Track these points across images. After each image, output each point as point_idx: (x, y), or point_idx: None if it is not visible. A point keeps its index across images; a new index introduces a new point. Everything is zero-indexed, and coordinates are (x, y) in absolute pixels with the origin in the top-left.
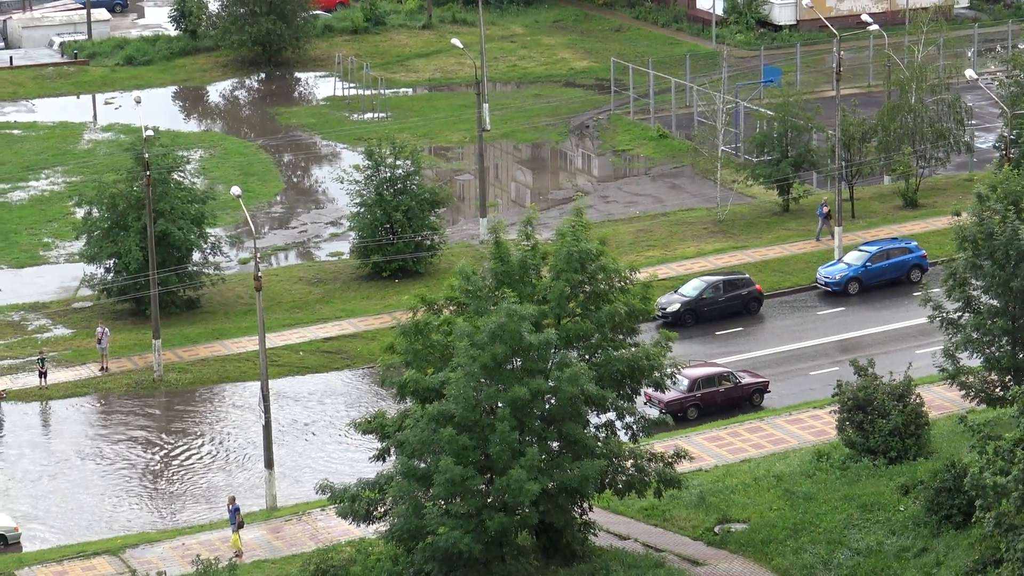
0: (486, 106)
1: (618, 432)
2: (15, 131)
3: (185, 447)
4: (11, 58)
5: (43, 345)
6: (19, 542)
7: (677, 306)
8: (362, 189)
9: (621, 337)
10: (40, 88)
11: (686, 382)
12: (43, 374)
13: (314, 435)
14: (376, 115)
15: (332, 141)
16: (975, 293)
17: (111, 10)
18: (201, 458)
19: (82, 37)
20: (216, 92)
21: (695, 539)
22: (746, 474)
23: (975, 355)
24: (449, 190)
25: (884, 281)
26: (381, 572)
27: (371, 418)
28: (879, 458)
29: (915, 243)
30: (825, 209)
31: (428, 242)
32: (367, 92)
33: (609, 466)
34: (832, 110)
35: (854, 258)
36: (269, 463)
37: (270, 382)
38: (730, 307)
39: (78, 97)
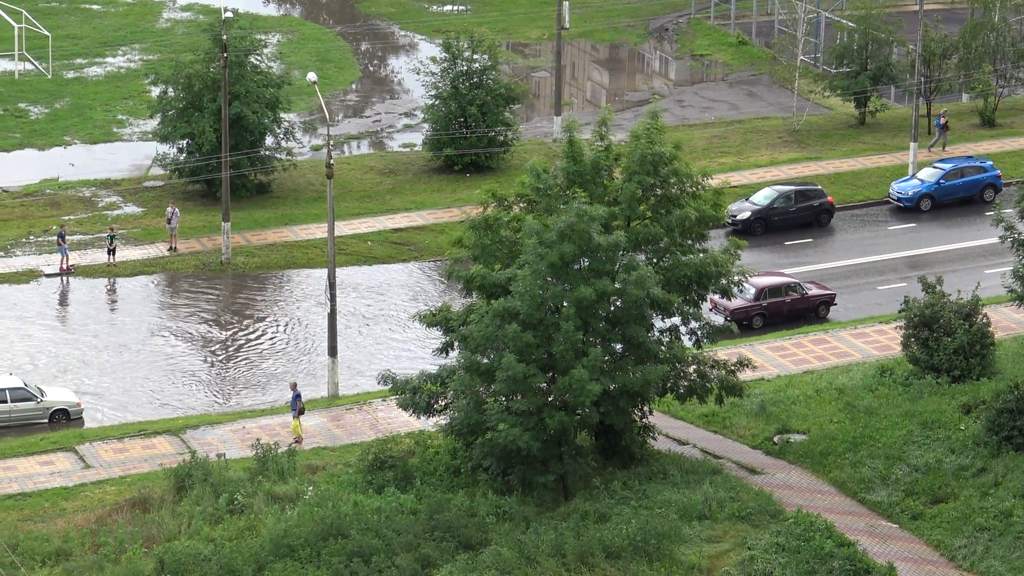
0: (566, 4)
1: (682, 337)
2: (94, 6)
3: (249, 331)
4: None
5: (112, 222)
6: (81, 417)
7: (748, 214)
8: (438, 81)
9: (690, 242)
10: None
11: (753, 291)
12: (112, 251)
13: (368, 326)
14: (455, 7)
15: (410, 32)
16: None
17: None
18: (265, 343)
19: None
20: None
21: (754, 448)
22: (808, 385)
23: None
24: (525, 86)
25: (957, 199)
26: (439, 465)
27: (436, 311)
28: (942, 376)
29: (990, 162)
30: (943, 120)
31: (501, 138)
32: None
33: (671, 371)
34: (914, 25)
35: (928, 175)
36: (333, 351)
37: (337, 270)
38: (801, 218)
39: None
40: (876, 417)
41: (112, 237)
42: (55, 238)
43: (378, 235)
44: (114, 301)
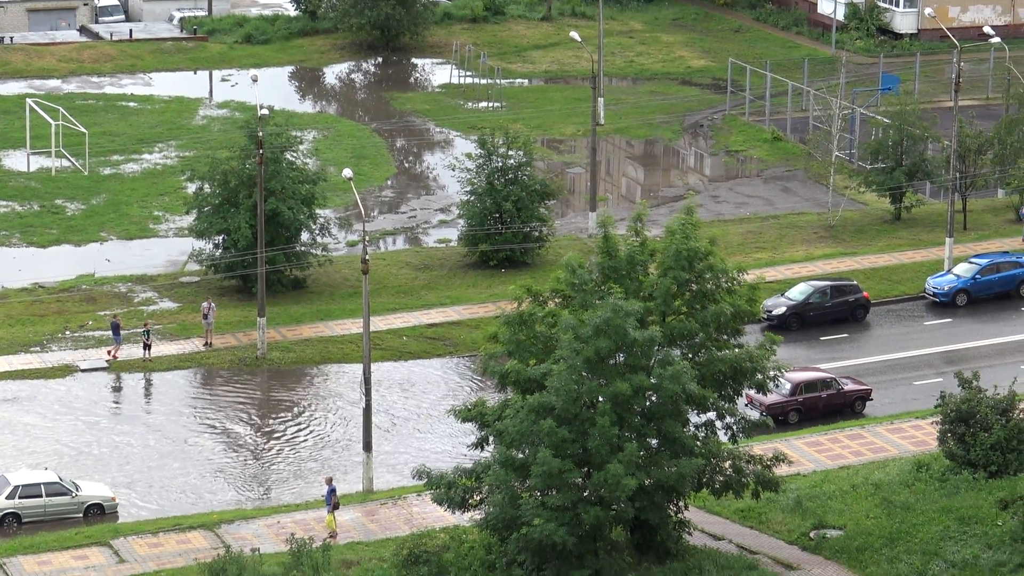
0: (601, 100)
1: (718, 432)
2: (131, 104)
3: (284, 426)
4: (131, 31)
5: (148, 317)
6: (116, 512)
7: (783, 309)
8: (473, 177)
9: (725, 337)
10: (158, 62)
11: (788, 386)
12: (147, 346)
13: (403, 422)
14: (491, 104)
15: (446, 128)
16: None
17: None
18: (300, 438)
19: (202, 13)
20: (332, 74)
21: (790, 543)
22: (844, 481)
23: None
24: (560, 182)
25: (993, 294)
26: (474, 560)
27: (471, 406)
28: (979, 471)
29: None
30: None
31: (536, 233)
32: (483, 81)
33: (707, 465)
34: (949, 121)
35: (963, 270)
36: (367, 446)
37: (372, 365)
38: (836, 313)
39: (195, 73)
40: (913, 512)
41: (147, 332)
42: (109, 330)
43: (413, 330)
44: (150, 396)
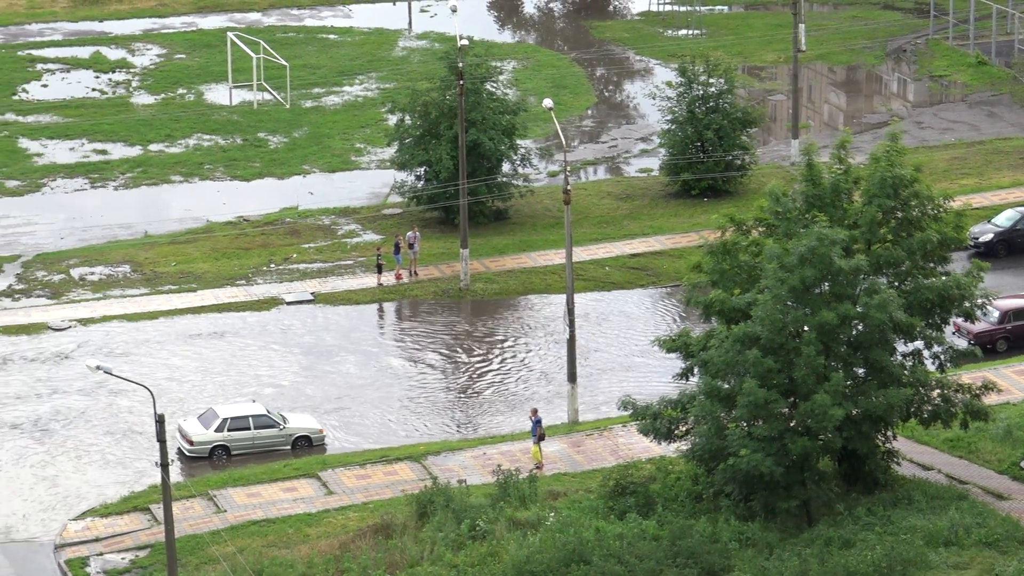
0: (802, 26)
1: (925, 361)
2: (331, 36)
3: (488, 357)
4: None
5: (352, 250)
6: (323, 444)
7: (990, 236)
8: (674, 106)
9: (932, 265)
10: None
11: (997, 314)
12: (380, 268)
13: (606, 352)
14: (691, 32)
15: (645, 56)
16: None
17: None
18: (504, 369)
19: None
20: (531, 3)
21: (1000, 473)
22: None
23: None
24: (761, 110)
25: None
26: (680, 491)
27: (676, 336)
28: None
29: None
30: None
31: (738, 161)
32: (682, 8)
33: (915, 395)
34: None
35: None
36: (572, 377)
37: (575, 296)
38: None
39: (394, 3)
40: None
41: (379, 255)
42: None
43: (616, 260)
44: (354, 328)
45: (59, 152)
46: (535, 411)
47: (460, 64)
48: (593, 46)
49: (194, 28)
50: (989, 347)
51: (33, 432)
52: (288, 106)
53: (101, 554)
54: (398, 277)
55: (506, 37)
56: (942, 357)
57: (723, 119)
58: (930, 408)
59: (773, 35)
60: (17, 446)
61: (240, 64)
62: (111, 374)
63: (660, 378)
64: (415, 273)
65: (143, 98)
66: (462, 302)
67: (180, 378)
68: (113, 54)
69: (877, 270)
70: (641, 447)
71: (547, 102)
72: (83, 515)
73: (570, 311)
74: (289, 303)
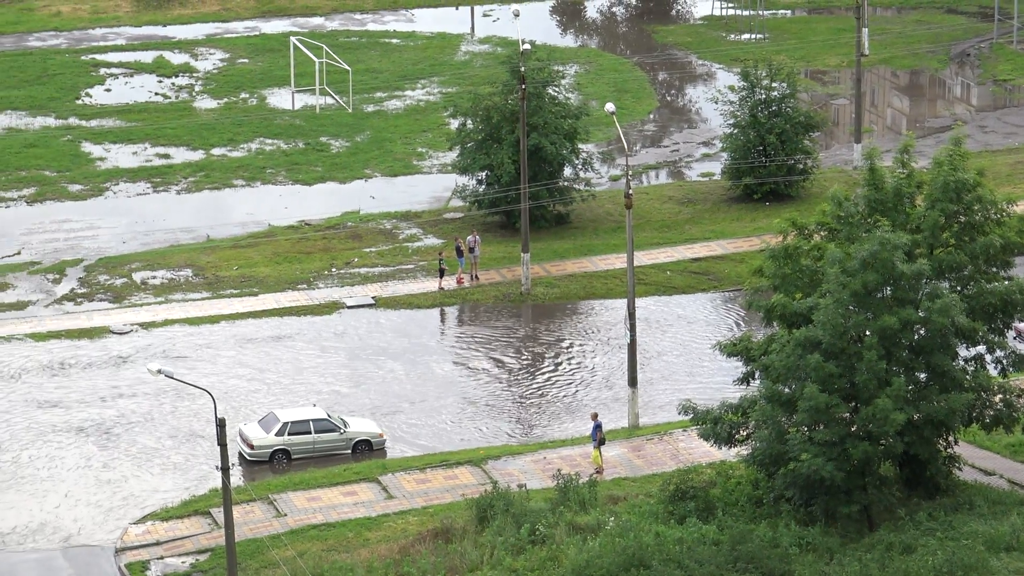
0: (865, 31)
1: (987, 366)
2: (393, 40)
3: (548, 361)
4: None
5: (413, 254)
6: (384, 448)
7: None
8: (736, 110)
9: (995, 270)
10: None
11: None
12: (442, 272)
13: (668, 356)
14: (753, 36)
15: (707, 61)
16: None
17: None
18: (565, 373)
19: None
20: (593, 8)
21: None
22: None
23: None
24: (824, 114)
25: None
26: (741, 496)
27: (737, 341)
28: None
29: None
30: None
31: (801, 166)
32: (745, 12)
33: (977, 400)
34: None
35: None
36: (633, 381)
37: (636, 300)
38: None
39: (457, 8)
40: None
41: (441, 260)
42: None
43: (677, 265)
44: (415, 332)
45: (122, 156)
46: (595, 415)
47: (522, 68)
48: (655, 50)
49: (257, 32)
50: None
51: (96, 436)
52: (350, 110)
53: (162, 558)
54: (459, 281)
55: (568, 41)
56: (1004, 362)
57: (785, 123)
58: (992, 413)
59: (836, 39)
60: (81, 451)
61: (303, 68)
62: (172, 378)
63: (721, 383)
64: (476, 277)
65: (206, 102)
66: (523, 306)
67: (241, 382)
68: (176, 58)
69: (939, 275)
70: (701, 451)
71: (609, 106)
72: (144, 519)
73: (631, 315)
74: (350, 307)
